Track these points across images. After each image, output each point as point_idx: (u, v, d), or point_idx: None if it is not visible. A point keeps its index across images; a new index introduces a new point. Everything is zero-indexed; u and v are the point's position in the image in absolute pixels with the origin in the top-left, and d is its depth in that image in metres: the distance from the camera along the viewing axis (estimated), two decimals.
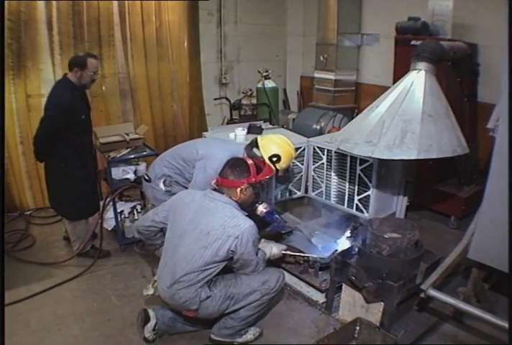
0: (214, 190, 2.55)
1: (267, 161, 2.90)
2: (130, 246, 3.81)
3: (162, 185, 3.11)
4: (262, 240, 3.03)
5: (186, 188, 3.09)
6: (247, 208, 2.59)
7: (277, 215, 3.10)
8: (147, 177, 3.23)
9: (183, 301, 2.43)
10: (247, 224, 2.39)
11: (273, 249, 2.83)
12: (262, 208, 2.66)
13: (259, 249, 2.68)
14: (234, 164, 2.54)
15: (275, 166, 2.93)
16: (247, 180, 2.50)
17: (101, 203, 3.67)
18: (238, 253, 2.40)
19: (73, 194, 3.44)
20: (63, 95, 3.20)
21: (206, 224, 2.41)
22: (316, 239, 3.47)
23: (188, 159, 3.07)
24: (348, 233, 3.37)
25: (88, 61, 3.22)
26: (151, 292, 2.64)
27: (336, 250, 3.11)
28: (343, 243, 3.30)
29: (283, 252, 2.96)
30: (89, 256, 3.59)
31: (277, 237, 3.47)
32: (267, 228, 3.17)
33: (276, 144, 3.00)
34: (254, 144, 3.01)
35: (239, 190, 2.50)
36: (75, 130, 3.29)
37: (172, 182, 3.13)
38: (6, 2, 3.70)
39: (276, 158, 2.93)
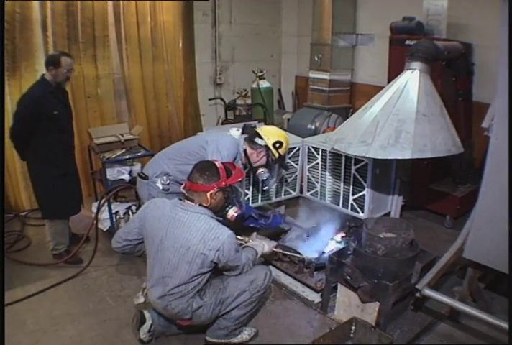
0: (184, 196, 2.49)
1: (271, 148, 3.16)
2: None
3: (159, 183, 3.10)
4: (254, 234, 3.11)
5: None
6: (218, 212, 2.54)
7: (277, 214, 3.37)
8: (143, 175, 3.22)
9: (176, 312, 2.44)
10: (225, 235, 2.35)
11: (265, 246, 2.82)
12: (232, 212, 2.59)
13: (251, 247, 2.72)
14: (203, 168, 2.44)
15: (278, 152, 3.18)
16: (216, 184, 2.40)
17: (96, 204, 3.65)
18: (222, 262, 2.40)
19: (45, 192, 3.45)
20: (33, 90, 3.28)
21: (184, 239, 2.35)
22: (309, 239, 3.48)
23: (193, 149, 3.13)
24: (340, 235, 3.41)
25: (62, 59, 3.24)
26: (141, 300, 2.71)
27: (324, 252, 3.21)
28: (332, 244, 3.35)
29: (273, 249, 3.03)
30: (66, 261, 3.54)
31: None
32: (265, 223, 3.27)
33: (275, 132, 3.27)
34: (256, 134, 3.20)
35: (208, 194, 2.40)
36: (50, 127, 3.28)
37: (170, 181, 3.12)
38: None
39: (279, 144, 3.18)
